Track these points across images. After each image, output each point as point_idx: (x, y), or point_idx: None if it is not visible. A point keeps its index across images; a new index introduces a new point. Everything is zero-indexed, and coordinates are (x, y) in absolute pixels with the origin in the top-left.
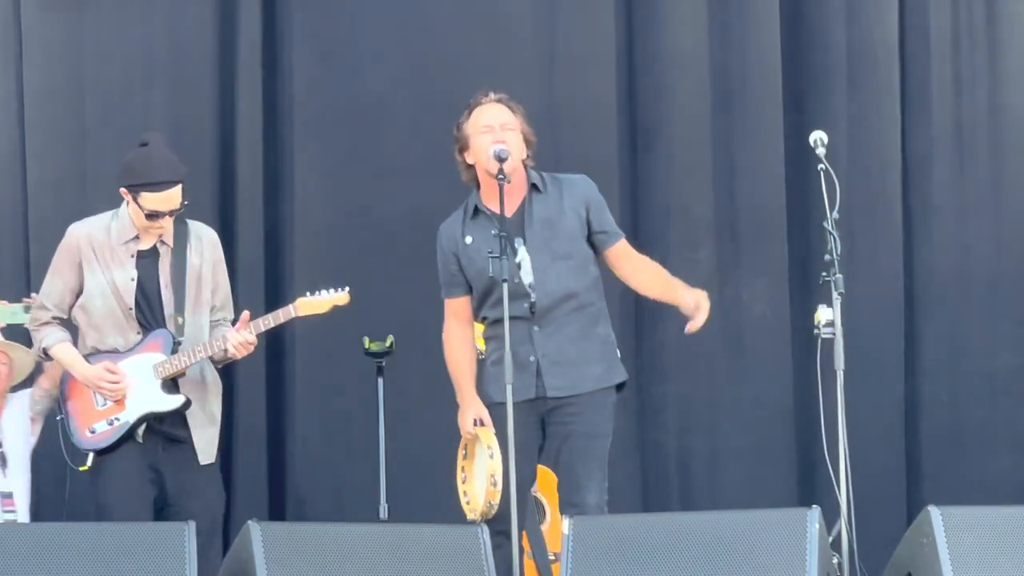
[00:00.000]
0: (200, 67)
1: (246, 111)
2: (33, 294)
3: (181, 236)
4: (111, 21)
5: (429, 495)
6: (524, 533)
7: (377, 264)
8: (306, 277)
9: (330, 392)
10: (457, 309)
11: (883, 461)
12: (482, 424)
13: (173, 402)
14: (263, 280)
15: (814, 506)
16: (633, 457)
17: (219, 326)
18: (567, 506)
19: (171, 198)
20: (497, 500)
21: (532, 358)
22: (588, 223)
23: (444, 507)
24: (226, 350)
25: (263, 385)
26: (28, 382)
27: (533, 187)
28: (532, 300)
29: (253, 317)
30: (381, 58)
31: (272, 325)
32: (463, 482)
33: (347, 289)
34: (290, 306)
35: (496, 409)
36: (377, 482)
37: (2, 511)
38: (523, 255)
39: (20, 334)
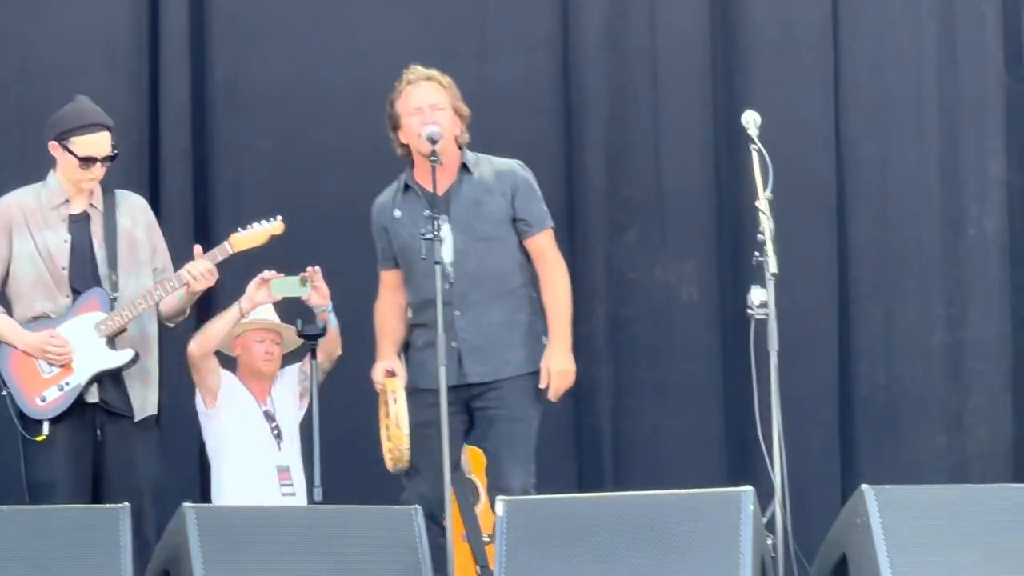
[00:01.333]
0: (129, 50)
1: (173, 95)
2: (309, 268)
3: (110, 203)
4: (42, 7)
5: (363, 478)
6: (458, 515)
7: (310, 247)
8: (238, 260)
9: None
10: (389, 282)
11: (817, 441)
12: (393, 375)
13: (122, 357)
14: None
15: (748, 487)
16: (567, 441)
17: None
18: (493, 491)
19: (102, 142)
20: (405, 444)
21: (454, 344)
22: (513, 208)
23: (379, 490)
24: (187, 284)
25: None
26: (297, 356)
27: (464, 167)
28: (451, 280)
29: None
30: (312, 40)
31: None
32: (387, 440)
33: (280, 218)
34: (225, 243)
35: (420, 396)
36: (311, 465)
37: (279, 485)
38: (446, 233)
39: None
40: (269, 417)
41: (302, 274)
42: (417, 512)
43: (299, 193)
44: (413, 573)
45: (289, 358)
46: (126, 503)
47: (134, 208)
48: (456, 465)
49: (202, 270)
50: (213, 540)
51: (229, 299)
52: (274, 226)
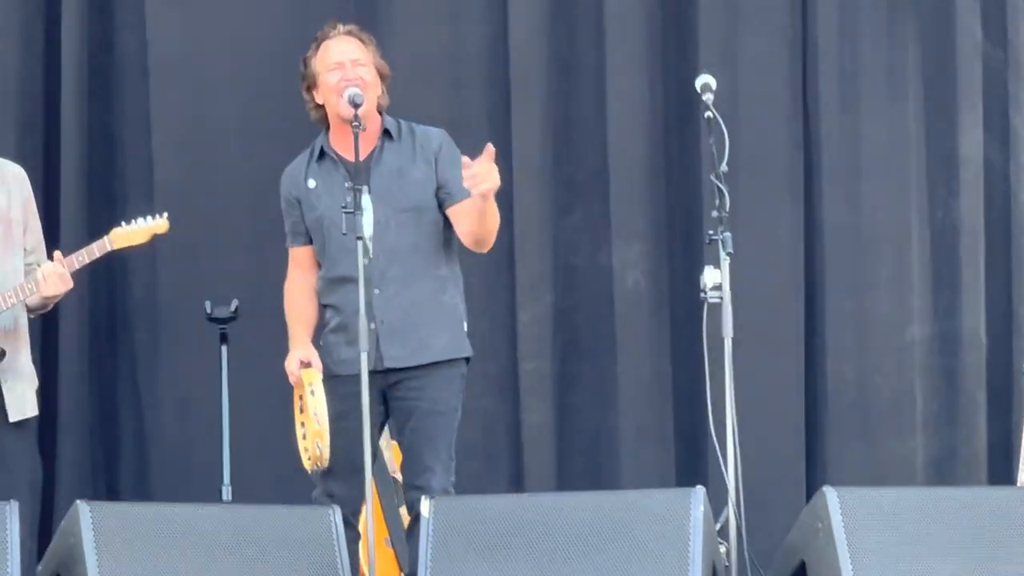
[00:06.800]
0: (30, 17)
1: (74, 63)
2: None
3: None
4: None
5: (276, 475)
6: (384, 518)
7: (220, 224)
8: None
9: (169, 361)
10: (301, 259)
11: (780, 441)
12: (309, 365)
13: None
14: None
15: (698, 486)
16: (504, 438)
17: (32, 271)
18: (411, 489)
19: None
20: (324, 441)
21: (372, 325)
22: (436, 174)
23: (293, 488)
24: (38, 287)
25: (87, 352)
26: None
27: (386, 133)
28: (370, 255)
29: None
30: (224, 6)
31: (87, 261)
32: (303, 438)
33: (166, 216)
34: (104, 239)
35: (333, 384)
36: (220, 460)
37: None
38: (366, 204)
39: None
40: None
41: None
42: (335, 512)
43: (211, 169)
44: None
45: None
46: (14, 500)
47: (10, 183)
48: (373, 458)
49: (49, 272)
50: (109, 541)
51: None
52: (159, 224)
